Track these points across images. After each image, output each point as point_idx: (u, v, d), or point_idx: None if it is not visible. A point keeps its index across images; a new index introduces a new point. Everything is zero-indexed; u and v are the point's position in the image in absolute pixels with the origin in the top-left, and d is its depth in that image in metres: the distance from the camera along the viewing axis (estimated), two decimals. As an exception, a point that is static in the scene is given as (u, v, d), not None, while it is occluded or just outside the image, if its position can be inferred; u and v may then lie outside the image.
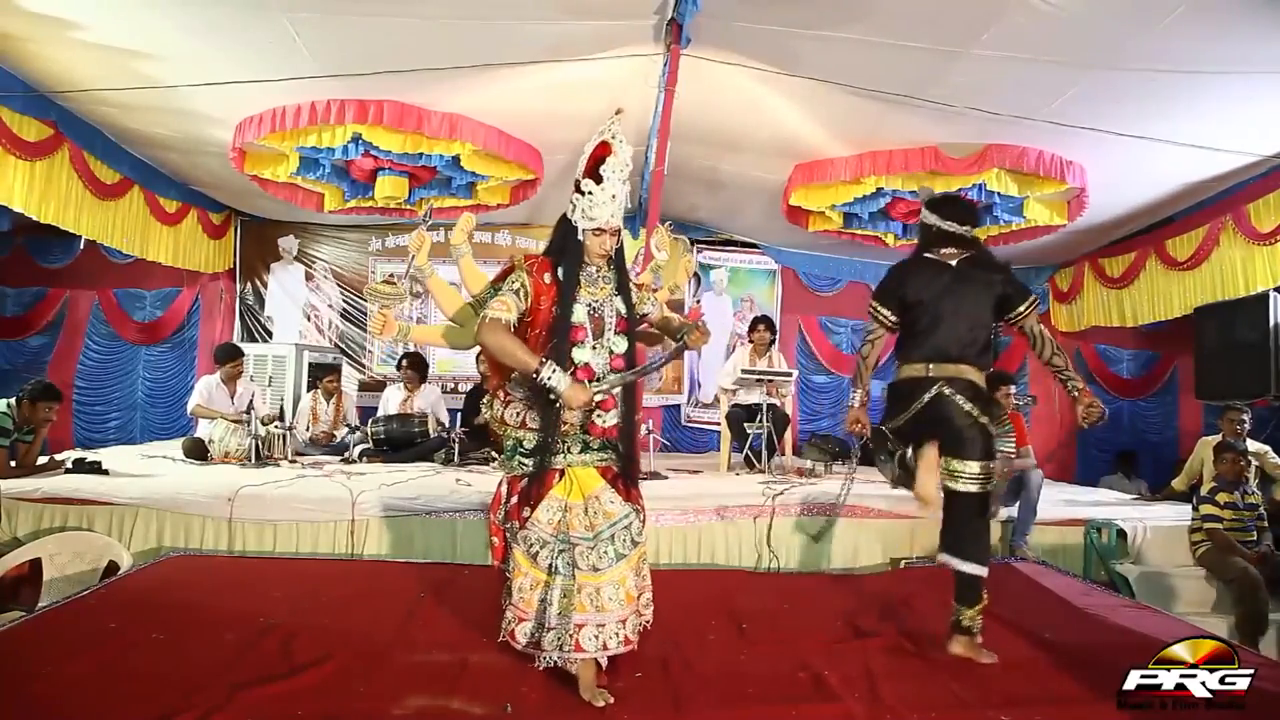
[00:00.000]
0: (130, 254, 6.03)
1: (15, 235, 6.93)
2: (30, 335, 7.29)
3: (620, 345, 2.28)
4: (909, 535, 4.07)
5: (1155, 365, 8.12)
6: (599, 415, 2.24)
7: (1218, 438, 4.80)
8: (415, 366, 5.81)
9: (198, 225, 6.69)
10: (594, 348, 2.25)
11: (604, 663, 2.12)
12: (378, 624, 2.57)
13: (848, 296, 8.16)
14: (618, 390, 2.26)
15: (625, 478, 2.30)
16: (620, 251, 2.34)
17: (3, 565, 3.04)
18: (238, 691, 1.98)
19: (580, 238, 2.24)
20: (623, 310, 2.30)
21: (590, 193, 2.20)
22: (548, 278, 2.24)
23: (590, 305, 2.26)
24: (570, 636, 2.06)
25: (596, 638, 2.08)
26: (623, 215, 2.27)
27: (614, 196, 2.20)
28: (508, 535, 2.31)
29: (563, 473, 2.22)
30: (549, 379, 2.08)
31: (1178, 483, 4.96)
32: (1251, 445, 4.69)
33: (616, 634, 2.11)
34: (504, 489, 2.35)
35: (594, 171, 2.20)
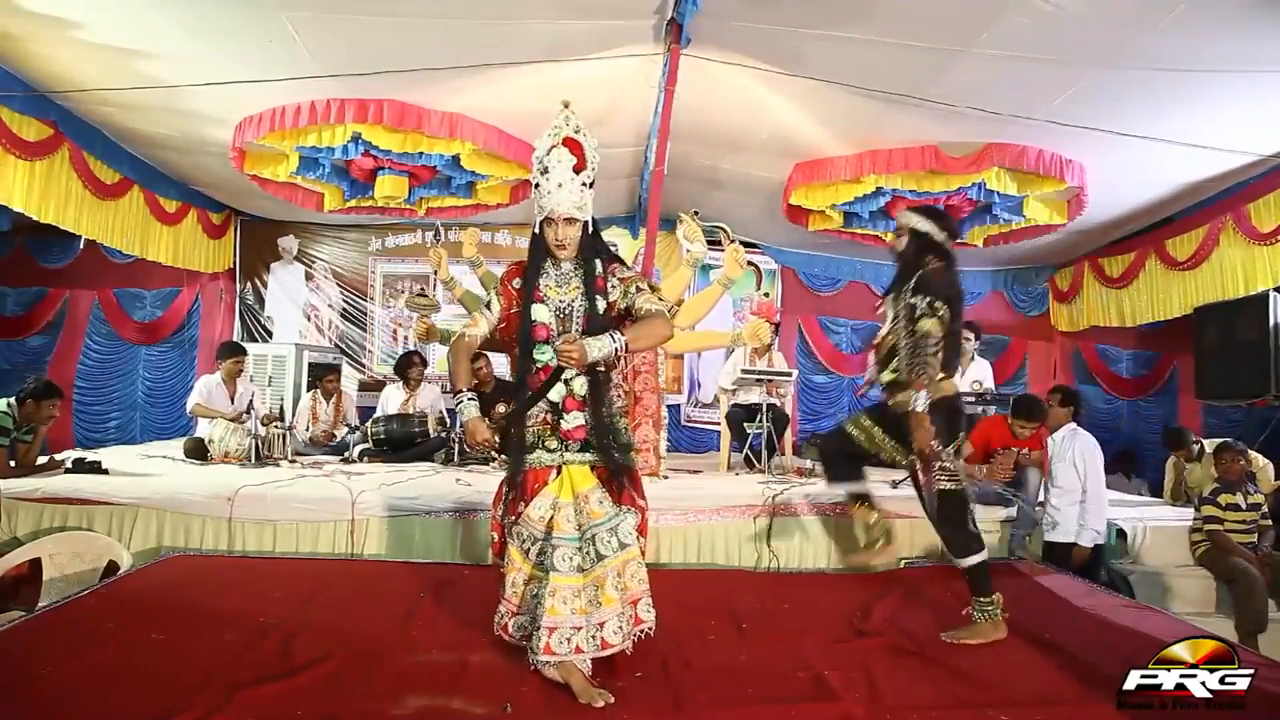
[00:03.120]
0: (130, 254, 6.03)
1: (15, 235, 6.93)
2: (30, 335, 7.30)
3: None
4: (909, 535, 4.06)
5: (1155, 365, 8.12)
6: (563, 417, 2.22)
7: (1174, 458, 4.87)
8: (406, 368, 5.79)
9: (198, 225, 6.69)
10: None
11: (587, 667, 2.10)
12: (378, 624, 2.57)
13: (848, 296, 8.16)
14: (583, 393, 2.21)
15: (616, 479, 2.26)
16: (591, 247, 2.27)
17: (3, 565, 3.03)
18: (238, 691, 1.98)
19: (538, 230, 2.25)
20: (588, 309, 2.25)
21: (538, 185, 2.22)
22: (516, 283, 2.28)
23: (558, 305, 2.25)
24: (540, 639, 2.04)
25: (569, 640, 2.05)
26: (577, 205, 2.20)
27: (559, 185, 2.18)
28: (505, 530, 2.31)
29: (559, 470, 2.22)
30: (458, 407, 2.26)
31: (1166, 494, 4.95)
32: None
33: (593, 637, 2.09)
34: (504, 485, 2.35)
35: (543, 164, 2.22)
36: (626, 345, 2.14)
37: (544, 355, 2.21)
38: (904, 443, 2.76)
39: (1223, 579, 3.86)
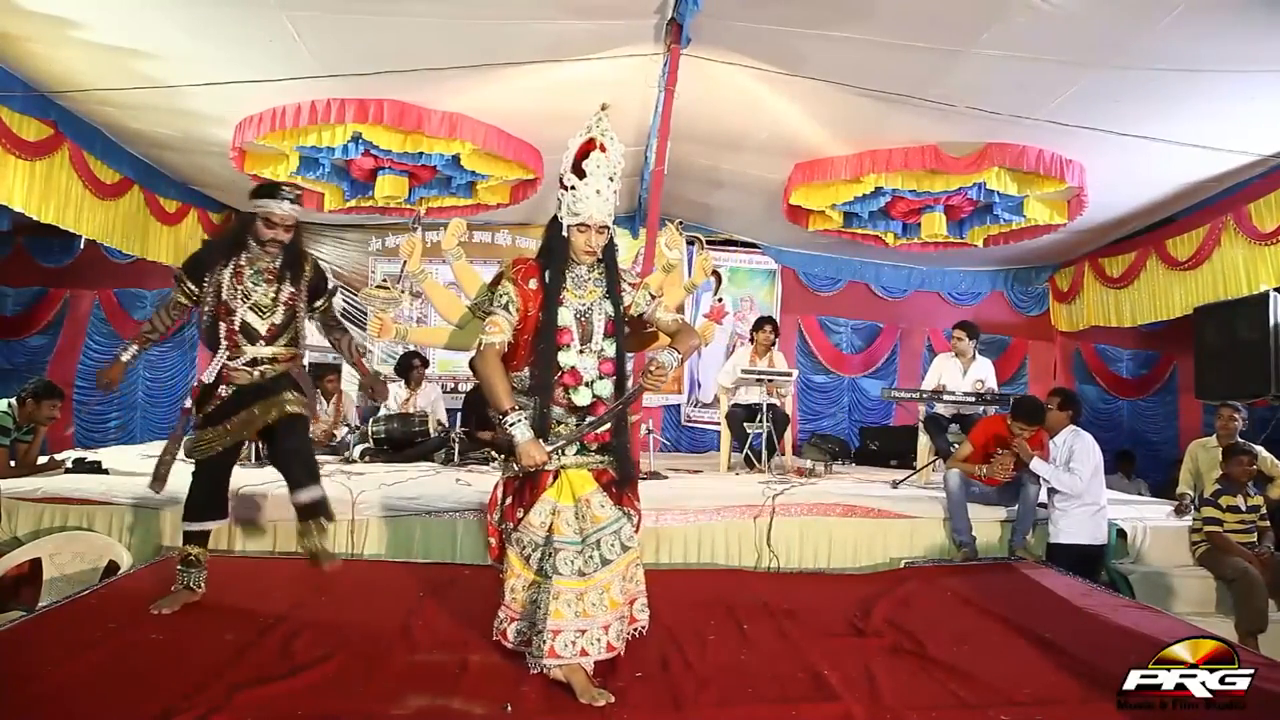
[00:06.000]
0: (130, 254, 6.03)
1: (15, 235, 6.93)
2: (30, 335, 7.30)
3: (610, 349, 2.26)
4: (909, 535, 4.07)
5: (1155, 365, 8.12)
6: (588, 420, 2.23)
7: (1209, 440, 4.79)
8: (406, 368, 5.78)
9: (198, 225, 6.68)
10: (582, 351, 2.23)
11: (590, 667, 2.10)
12: (378, 624, 2.57)
13: (848, 296, 8.17)
14: (607, 395, 2.24)
15: (620, 482, 2.29)
16: (611, 251, 2.30)
17: (3, 565, 3.04)
18: (238, 691, 1.98)
19: (565, 234, 2.23)
20: (611, 313, 2.27)
21: (573, 188, 2.19)
22: (533, 283, 2.23)
23: (578, 309, 2.24)
24: (545, 643, 2.04)
25: (574, 643, 2.05)
26: (610, 213, 2.22)
27: (598, 192, 2.17)
28: (503, 535, 2.31)
29: (557, 475, 2.21)
30: (510, 427, 2.11)
31: (1182, 490, 4.77)
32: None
33: (598, 640, 2.08)
34: (500, 490, 2.34)
35: (578, 167, 2.19)
36: (681, 360, 2.21)
37: (567, 359, 2.21)
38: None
39: (1223, 579, 3.86)
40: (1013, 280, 8.00)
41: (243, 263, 2.66)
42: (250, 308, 2.65)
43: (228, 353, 2.65)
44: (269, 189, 2.66)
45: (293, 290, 2.73)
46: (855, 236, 6.23)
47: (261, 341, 2.67)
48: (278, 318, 2.70)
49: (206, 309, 2.66)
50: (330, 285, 2.94)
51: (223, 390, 2.67)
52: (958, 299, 8.11)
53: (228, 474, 2.81)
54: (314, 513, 2.70)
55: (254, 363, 2.67)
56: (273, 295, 2.68)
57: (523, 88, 4.52)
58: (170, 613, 2.56)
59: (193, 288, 2.65)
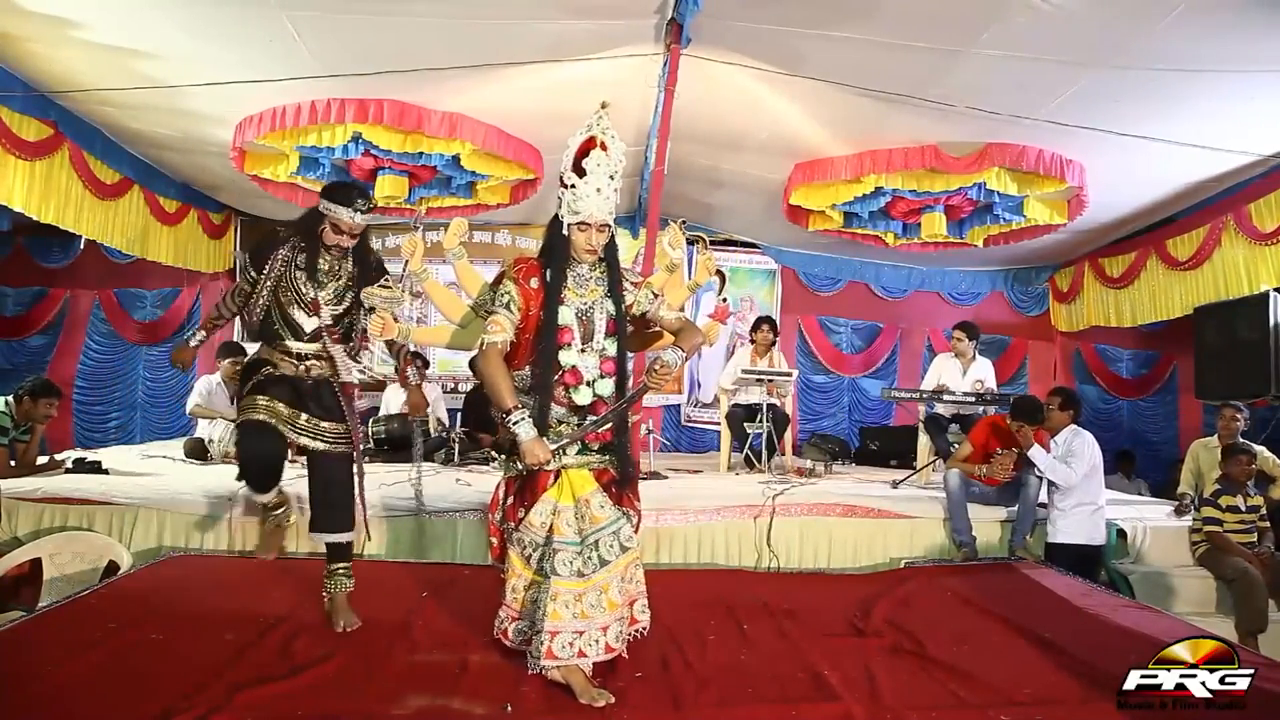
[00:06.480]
0: (130, 254, 6.03)
1: (15, 235, 6.93)
2: (30, 335, 7.30)
3: (611, 348, 2.26)
4: (909, 535, 4.07)
5: (1155, 365, 8.12)
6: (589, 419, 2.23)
7: (1210, 440, 4.78)
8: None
9: (198, 225, 6.69)
10: (583, 351, 2.23)
11: (589, 668, 2.10)
12: (378, 624, 2.57)
13: (848, 296, 8.17)
14: (608, 394, 2.24)
15: (620, 482, 2.29)
16: (613, 250, 2.29)
17: (3, 565, 3.04)
18: (238, 691, 1.98)
19: (566, 233, 2.22)
20: (613, 312, 2.27)
21: (573, 186, 2.18)
22: (534, 282, 2.23)
23: (579, 308, 2.24)
24: (542, 644, 2.04)
25: (572, 644, 2.05)
26: (610, 211, 2.21)
27: (598, 190, 2.17)
28: (504, 535, 2.31)
29: (558, 474, 2.21)
30: (514, 425, 2.10)
31: (1182, 490, 4.77)
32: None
33: (596, 641, 2.08)
34: (501, 490, 2.34)
35: (578, 166, 2.19)
36: (685, 358, 2.21)
37: (568, 359, 2.21)
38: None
39: (1223, 579, 3.86)
40: (1013, 280, 8.00)
41: (300, 260, 2.63)
42: (301, 302, 2.64)
43: (275, 343, 2.66)
44: (344, 194, 2.61)
45: (348, 291, 2.71)
46: (855, 236, 6.23)
47: (308, 338, 2.66)
48: (327, 316, 2.68)
49: (260, 300, 2.64)
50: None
51: (268, 369, 2.67)
52: (958, 299, 8.12)
53: (277, 457, 2.85)
54: (337, 555, 2.70)
55: (299, 357, 2.67)
56: (325, 293, 2.67)
57: (523, 88, 4.52)
58: (271, 557, 3.13)
59: (255, 275, 2.64)
